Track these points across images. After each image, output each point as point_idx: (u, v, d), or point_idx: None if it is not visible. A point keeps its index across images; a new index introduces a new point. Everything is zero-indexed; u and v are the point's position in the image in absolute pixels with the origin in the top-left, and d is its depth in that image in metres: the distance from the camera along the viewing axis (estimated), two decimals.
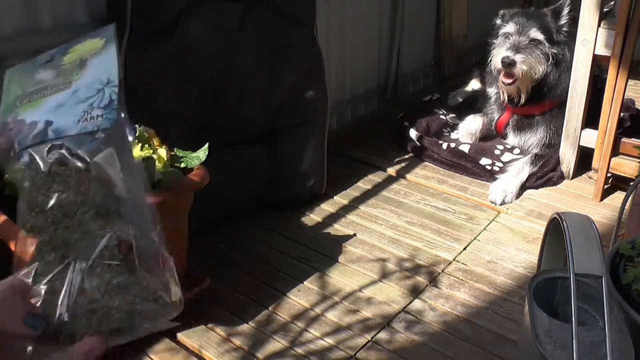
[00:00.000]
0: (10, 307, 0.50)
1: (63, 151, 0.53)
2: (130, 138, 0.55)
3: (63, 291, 0.51)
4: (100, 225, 0.52)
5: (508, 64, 2.31)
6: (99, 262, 0.51)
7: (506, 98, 2.47)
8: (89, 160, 0.53)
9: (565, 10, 2.36)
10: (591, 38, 2.16)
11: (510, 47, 2.34)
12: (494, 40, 2.48)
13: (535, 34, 2.35)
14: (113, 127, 0.52)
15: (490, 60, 2.46)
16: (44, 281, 0.51)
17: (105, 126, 0.52)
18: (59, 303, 0.51)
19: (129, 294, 0.52)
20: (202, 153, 1.54)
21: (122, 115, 0.53)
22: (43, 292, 0.51)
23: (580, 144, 2.34)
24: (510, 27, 2.40)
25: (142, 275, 0.53)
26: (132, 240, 0.53)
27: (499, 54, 2.36)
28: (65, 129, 0.52)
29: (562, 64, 2.38)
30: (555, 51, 2.36)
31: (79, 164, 0.53)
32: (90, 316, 0.51)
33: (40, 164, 0.53)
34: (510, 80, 2.35)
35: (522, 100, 2.42)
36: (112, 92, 0.53)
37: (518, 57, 2.31)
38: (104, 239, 0.52)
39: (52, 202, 0.53)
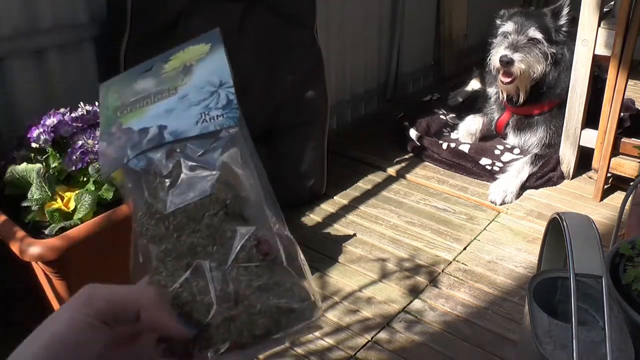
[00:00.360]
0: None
1: (183, 154, 0.49)
2: (249, 140, 0.51)
3: (193, 300, 0.46)
4: (231, 227, 0.48)
5: (506, 63, 2.31)
6: (235, 265, 0.47)
7: (505, 97, 2.47)
8: (215, 160, 0.49)
9: (565, 11, 2.36)
10: (591, 38, 2.16)
11: (509, 46, 2.34)
12: (494, 40, 2.48)
13: (534, 33, 2.35)
14: (237, 126, 0.49)
15: (489, 60, 2.47)
16: (169, 292, 0.47)
17: (229, 124, 0.49)
18: (193, 314, 0.46)
19: (272, 296, 0.46)
20: None
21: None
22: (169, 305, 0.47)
23: (580, 144, 2.34)
24: (509, 26, 2.40)
25: (285, 275, 0.48)
26: (272, 239, 0.48)
27: (497, 53, 2.37)
28: (183, 131, 0.49)
29: (561, 64, 2.38)
30: (554, 51, 2.36)
31: (203, 166, 0.49)
32: (228, 325, 0.46)
33: (160, 168, 0.49)
34: (508, 79, 2.35)
35: (521, 99, 2.42)
36: (228, 93, 0.50)
37: (516, 56, 2.32)
38: (241, 239, 0.47)
39: (175, 208, 0.48)
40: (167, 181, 0.49)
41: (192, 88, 0.51)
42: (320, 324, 0.48)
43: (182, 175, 0.49)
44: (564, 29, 2.38)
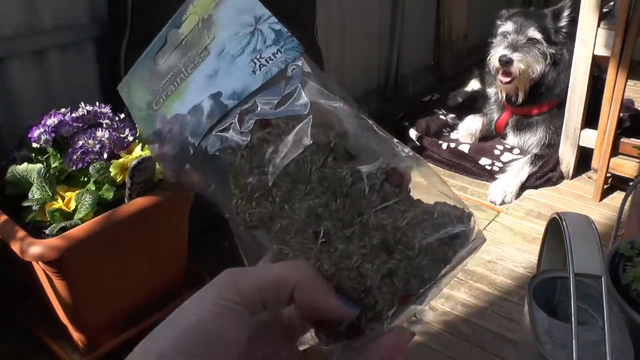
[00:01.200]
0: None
1: (257, 114, 0.40)
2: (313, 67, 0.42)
3: (338, 270, 0.38)
4: (349, 170, 0.39)
5: (505, 62, 2.32)
6: (371, 211, 0.38)
7: (504, 97, 2.48)
8: (298, 104, 0.40)
9: (566, 13, 2.36)
10: (591, 38, 2.16)
11: (508, 46, 2.35)
12: (494, 40, 2.49)
13: (533, 33, 2.35)
14: (301, 54, 0.41)
15: (489, 60, 2.47)
16: None
17: (293, 56, 0.40)
18: (344, 285, 0.38)
19: (427, 229, 0.38)
20: None
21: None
22: None
23: (580, 144, 2.34)
24: (508, 26, 2.41)
25: (428, 204, 0.40)
26: (398, 164, 0.40)
27: (496, 53, 2.37)
28: (243, 88, 0.40)
29: (560, 64, 2.38)
30: (553, 51, 2.36)
31: (286, 118, 0.40)
32: (390, 281, 0.38)
33: (238, 139, 0.40)
34: (508, 79, 2.35)
35: (520, 99, 2.42)
36: (270, 25, 0.41)
37: (515, 56, 2.32)
38: (368, 180, 0.38)
39: (271, 177, 0.39)
40: (250, 153, 0.40)
41: (226, 39, 0.42)
42: (484, 237, 0.40)
43: (265, 139, 0.40)
44: (563, 30, 2.38)
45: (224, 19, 0.42)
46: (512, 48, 2.34)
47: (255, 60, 0.40)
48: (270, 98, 0.40)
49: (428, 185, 0.41)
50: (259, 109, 0.40)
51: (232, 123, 0.40)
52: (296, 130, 0.39)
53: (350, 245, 0.38)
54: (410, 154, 0.41)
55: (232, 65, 0.41)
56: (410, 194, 0.40)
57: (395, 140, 0.42)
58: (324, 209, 0.38)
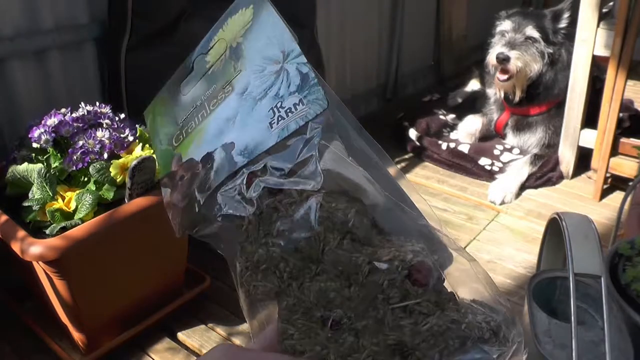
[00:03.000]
0: None
1: (265, 179, 0.36)
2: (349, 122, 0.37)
3: None
4: (366, 258, 0.35)
5: (502, 60, 2.32)
6: (387, 308, 0.34)
7: (502, 95, 2.48)
8: (312, 171, 0.36)
9: (566, 15, 2.36)
10: (590, 38, 2.17)
11: (506, 44, 2.36)
12: (492, 40, 2.49)
13: (531, 31, 2.36)
14: (325, 109, 0.35)
15: (487, 58, 2.48)
16: None
17: (314, 112, 0.35)
18: None
19: (450, 338, 0.33)
20: None
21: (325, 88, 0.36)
22: None
23: (580, 144, 2.34)
24: (506, 25, 2.42)
25: (459, 306, 0.35)
26: (428, 259, 0.35)
27: (494, 51, 2.38)
28: (257, 144, 0.36)
29: (558, 64, 2.38)
30: (550, 50, 2.37)
31: (297, 184, 0.36)
32: None
33: (243, 206, 0.37)
34: (505, 77, 2.36)
35: (517, 98, 2.43)
36: (298, 66, 0.37)
37: (513, 54, 2.33)
38: (386, 275, 0.34)
39: (280, 250, 0.36)
40: (258, 220, 0.36)
41: (250, 76, 0.38)
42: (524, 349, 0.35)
43: (276, 207, 0.36)
44: (562, 31, 2.39)
45: (252, 50, 0.39)
46: (509, 46, 2.35)
47: (275, 110, 0.37)
48: (282, 163, 0.36)
49: (467, 276, 0.37)
50: (268, 173, 0.36)
51: (239, 184, 0.37)
52: (309, 204, 0.35)
53: (362, 339, 0.34)
54: (454, 245, 0.37)
55: (251, 111, 0.37)
56: (445, 284, 0.35)
57: (436, 225, 0.37)
58: (336, 294, 0.35)
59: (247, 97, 0.38)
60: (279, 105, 0.36)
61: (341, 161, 0.36)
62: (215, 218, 0.37)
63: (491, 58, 2.39)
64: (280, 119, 0.36)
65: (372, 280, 0.34)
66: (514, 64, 2.32)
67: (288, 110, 0.36)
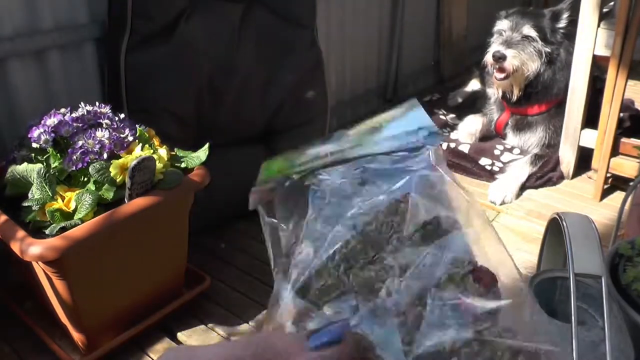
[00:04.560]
0: None
1: (370, 169, 0.40)
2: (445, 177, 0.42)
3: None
4: (435, 247, 0.36)
5: (498, 58, 2.33)
6: (439, 305, 0.34)
7: (500, 94, 2.49)
8: (413, 167, 0.40)
9: (565, 15, 2.36)
10: (591, 38, 2.16)
11: (503, 43, 2.36)
12: (491, 39, 2.50)
13: (529, 30, 2.36)
14: (438, 146, 0.41)
15: (485, 58, 2.48)
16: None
17: (430, 143, 0.42)
18: None
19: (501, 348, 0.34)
20: (202, 153, 1.54)
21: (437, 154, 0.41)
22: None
23: (580, 144, 2.34)
24: (504, 24, 2.42)
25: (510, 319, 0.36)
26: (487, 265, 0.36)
27: (491, 50, 2.39)
28: (370, 152, 0.42)
29: (556, 63, 2.38)
30: (548, 50, 2.37)
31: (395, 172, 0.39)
32: None
33: (343, 187, 0.39)
34: (502, 75, 2.36)
35: (515, 97, 2.43)
36: (429, 130, 0.44)
37: (509, 52, 2.33)
38: (444, 263, 0.35)
39: (355, 231, 0.37)
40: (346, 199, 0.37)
41: (385, 138, 0.45)
42: None
43: (363, 191, 0.38)
44: (561, 31, 2.39)
45: (392, 126, 0.46)
46: (506, 45, 2.35)
47: (395, 152, 0.42)
48: (389, 161, 0.41)
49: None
50: (372, 164, 0.40)
51: (343, 171, 0.40)
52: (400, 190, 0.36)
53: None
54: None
55: (376, 144, 0.43)
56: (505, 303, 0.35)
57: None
58: (381, 285, 0.34)
59: (378, 141, 0.44)
60: (400, 146, 0.42)
61: (440, 176, 0.41)
62: (301, 190, 0.40)
63: (488, 57, 2.40)
64: (399, 149, 0.42)
65: (429, 270, 0.34)
66: (510, 63, 2.32)
67: (409, 143, 0.42)
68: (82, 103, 1.50)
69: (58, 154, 1.39)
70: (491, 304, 0.34)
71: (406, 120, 0.46)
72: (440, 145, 0.42)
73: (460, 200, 0.40)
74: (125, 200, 1.37)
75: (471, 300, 0.34)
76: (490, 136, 2.64)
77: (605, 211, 2.19)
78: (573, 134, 2.34)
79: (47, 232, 1.30)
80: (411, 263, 0.35)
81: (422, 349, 0.33)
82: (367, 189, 0.39)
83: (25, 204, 1.33)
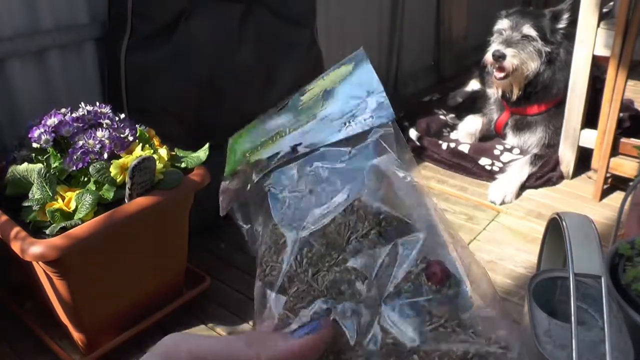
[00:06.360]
0: None
1: (320, 166, 0.39)
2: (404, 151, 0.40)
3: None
4: (391, 249, 0.35)
5: (498, 57, 2.33)
6: (397, 302, 0.34)
7: (500, 94, 2.49)
8: (363, 163, 0.38)
9: (565, 15, 2.36)
10: (590, 38, 2.17)
11: (503, 42, 2.36)
12: (491, 39, 2.50)
13: (528, 30, 2.36)
14: (390, 125, 0.39)
15: (484, 58, 2.48)
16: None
17: (380, 123, 0.39)
18: None
19: (455, 346, 0.33)
20: (202, 153, 1.54)
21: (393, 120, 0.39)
22: None
23: (580, 144, 2.34)
24: (504, 24, 2.42)
25: (471, 314, 0.35)
26: (449, 262, 0.35)
27: (490, 49, 2.39)
28: (320, 141, 0.40)
29: (555, 63, 2.39)
30: (548, 49, 2.37)
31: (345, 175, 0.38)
32: None
33: (292, 187, 0.39)
34: (502, 74, 2.36)
35: (514, 96, 2.43)
36: (378, 97, 0.41)
37: (509, 51, 2.33)
38: (407, 265, 0.34)
39: (306, 232, 0.37)
40: (298, 201, 0.37)
41: (333, 108, 0.42)
42: None
43: (318, 190, 0.37)
44: (561, 30, 2.39)
45: (342, 91, 0.44)
46: (505, 44, 2.35)
47: (347, 122, 0.40)
48: (339, 155, 0.39)
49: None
50: (323, 160, 0.39)
51: (294, 170, 0.39)
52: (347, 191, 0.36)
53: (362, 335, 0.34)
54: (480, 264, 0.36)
55: (325, 127, 0.41)
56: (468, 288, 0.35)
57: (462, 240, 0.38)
58: (347, 287, 0.34)
59: (326, 120, 0.42)
60: (350, 120, 0.40)
61: (391, 165, 0.38)
62: (263, 196, 0.40)
63: (487, 56, 2.40)
64: (348, 125, 0.40)
65: (387, 273, 0.34)
66: (510, 62, 2.32)
67: (357, 122, 0.39)
68: (82, 103, 1.50)
69: (58, 154, 1.39)
70: (444, 300, 0.35)
71: (355, 80, 0.44)
72: (393, 122, 0.39)
73: (411, 192, 0.39)
74: (126, 200, 1.37)
75: (424, 297, 0.34)
76: (490, 136, 2.64)
77: (605, 211, 2.19)
78: (573, 134, 2.34)
79: (47, 232, 1.30)
80: (370, 264, 0.35)
81: (385, 349, 0.34)
82: (323, 188, 0.38)
83: (26, 204, 1.33)
